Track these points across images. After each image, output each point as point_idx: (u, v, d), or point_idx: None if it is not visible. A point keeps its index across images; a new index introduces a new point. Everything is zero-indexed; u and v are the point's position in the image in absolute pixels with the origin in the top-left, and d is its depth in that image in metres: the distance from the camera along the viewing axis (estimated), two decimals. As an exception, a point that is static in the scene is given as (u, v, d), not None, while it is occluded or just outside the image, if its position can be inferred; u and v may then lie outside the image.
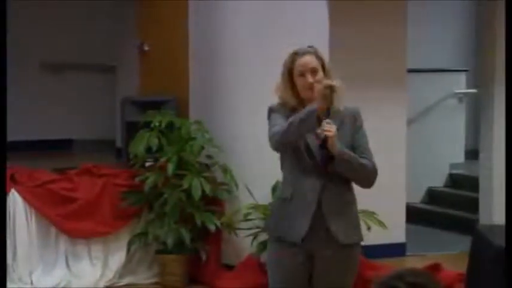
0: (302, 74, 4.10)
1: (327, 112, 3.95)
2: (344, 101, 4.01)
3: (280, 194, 4.26)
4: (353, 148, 4.10)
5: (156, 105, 7.34)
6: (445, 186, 9.57)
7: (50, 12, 9.17)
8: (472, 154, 9.55)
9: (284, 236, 4.11)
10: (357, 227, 4.19)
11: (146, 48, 8.18)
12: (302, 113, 3.96)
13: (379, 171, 4.19)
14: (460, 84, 9.73)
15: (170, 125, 7.01)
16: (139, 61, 8.38)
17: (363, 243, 4.26)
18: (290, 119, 4.00)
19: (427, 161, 9.23)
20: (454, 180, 9.51)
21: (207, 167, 7.04)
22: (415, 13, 8.45)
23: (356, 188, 4.30)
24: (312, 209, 4.05)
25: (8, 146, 5.42)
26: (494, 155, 7.91)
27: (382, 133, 7.57)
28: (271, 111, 4.17)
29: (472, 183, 8.63)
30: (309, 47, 4.17)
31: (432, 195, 9.49)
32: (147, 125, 6.97)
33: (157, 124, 6.92)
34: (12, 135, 6.60)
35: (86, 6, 9.22)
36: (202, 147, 7.00)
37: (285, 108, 4.13)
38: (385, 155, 7.60)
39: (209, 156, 7.08)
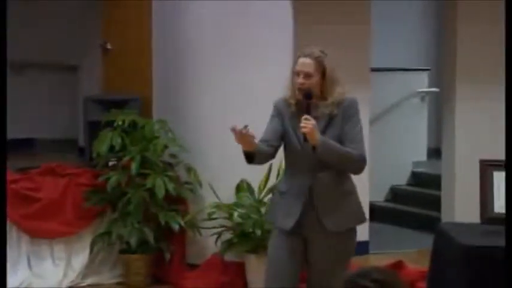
0: (298, 74, 4.30)
1: (307, 108, 4.19)
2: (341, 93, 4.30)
3: (279, 187, 4.51)
4: (342, 137, 4.28)
5: (119, 105, 7.30)
6: (408, 184, 9.62)
7: (11, 11, 9.07)
8: (435, 152, 9.63)
9: (280, 225, 4.39)
10: (352, 215, 4.41)
11: (109, 47, 8.14)
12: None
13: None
14: (422, 83, 9.80)
15: (133, 124, 6.98)
16: (102, 60, 8.34)
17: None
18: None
19: (390, 160, 9.28)
20: (416, 178, 9.57)
21: (171, 166, 7.02)
22: (379, 12, 8.49)
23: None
24: (302, 199, 4.30)
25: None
26: (456, 154, 7.97)
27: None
28: (273, 108, 4.42)
29: (434, 181, 8.69)
30: (320, 51, 4.35)
31: (395, 193, 9.54)
32: (109, 124, 6.94)
33: (120, 123, 6.89)
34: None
35: (48, 5, 9.15)
36: (166, 147, 6.98)
37: (287, 104, 4.35)
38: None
39: (173, 156, 7.06)
